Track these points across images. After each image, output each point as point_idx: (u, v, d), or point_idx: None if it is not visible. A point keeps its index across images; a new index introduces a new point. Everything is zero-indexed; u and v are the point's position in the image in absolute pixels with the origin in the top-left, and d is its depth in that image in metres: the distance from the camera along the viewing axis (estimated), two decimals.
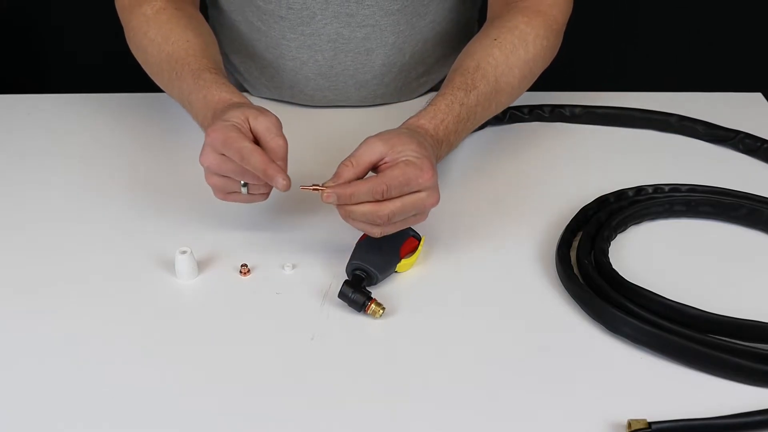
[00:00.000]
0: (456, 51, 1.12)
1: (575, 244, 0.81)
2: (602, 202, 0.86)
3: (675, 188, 0.88)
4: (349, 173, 0.73)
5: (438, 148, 0.82)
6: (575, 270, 0.77)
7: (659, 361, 0.69)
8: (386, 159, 0.74)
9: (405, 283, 0.78)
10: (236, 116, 0.76)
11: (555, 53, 0.97)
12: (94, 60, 1.79)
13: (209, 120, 0.81)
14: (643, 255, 0.81)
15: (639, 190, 0.88)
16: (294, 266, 0.79)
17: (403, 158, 0.73)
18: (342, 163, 0.74)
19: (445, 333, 0.72)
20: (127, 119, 1.05)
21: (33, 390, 0.67)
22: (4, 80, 1.56)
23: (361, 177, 0.74)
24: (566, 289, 0.76)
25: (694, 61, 1.80)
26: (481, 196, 0.90)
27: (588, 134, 1.02)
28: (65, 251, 0.82)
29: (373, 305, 0.73)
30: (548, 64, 0.97)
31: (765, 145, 0.96)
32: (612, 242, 0.81)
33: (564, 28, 0.97)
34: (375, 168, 0.75)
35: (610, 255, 0.78)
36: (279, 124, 0.77)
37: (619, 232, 0.84)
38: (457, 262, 0.81)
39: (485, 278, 0.79)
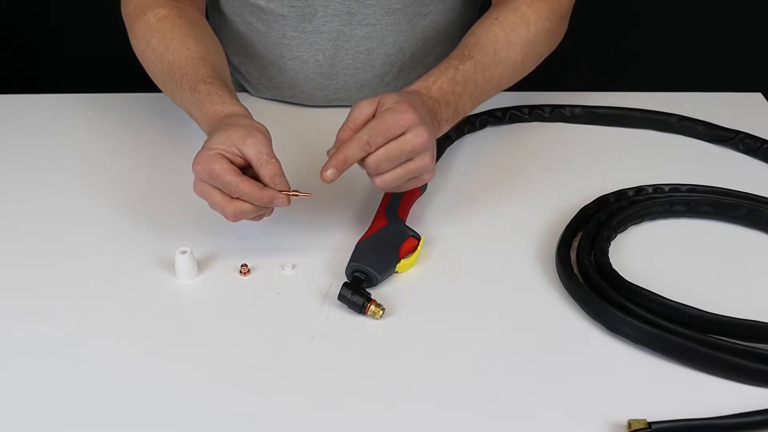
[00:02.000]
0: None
1: (575, 244, 0.81)
2: (602, 202, 0.86)
3: (675, 188, 0.88)
4: (348, 135, 0.75)
5: (433, 103, 0.82)
6: (575, 270, 0.77)
7: (659, 361, 0.69)
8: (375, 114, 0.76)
9: (405, 283, 0.78)
10: (221, 142, 0.75)
11: (559, 38, 0.97)
12: (94, 60, 1.79)
13: (208, 133, 0.81)
14: (643, 255, 0.81)
15: (639, 190, 0.88)
16: (294, 266, 0.79)
17: (384, 108, 0.75)
18: (340, 129, 0.76)
19: (445, 333, 0.72)
20: (128, 119, 1.05)
21: (33, 390, 0.67)
22: (4, 80, 1.56)
23: None
24: (566, 289, 0.76)
25: (694, 61, 1.80)
26: (481, 195, 0.90)
27: (588, 134, 1.02)
28: (65, 251, 0.82)
29: (372, 306, 0.73)
30: (552, 48, 0.97)
31: (765, 145, 0.96)
32: (612, 242, 0.81)
33: (569, 15, 0.98)
34: None
35: (610, 255, 0.78)
36: (268, 142, 0.76)
37: (619, 232, 0.84)
38: (457, 262, 0.81)
39: (485, 278, 0.79)
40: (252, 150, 0.75)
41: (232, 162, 0.75)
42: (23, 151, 1.00)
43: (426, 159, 0.76)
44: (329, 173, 0.73)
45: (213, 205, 0.76)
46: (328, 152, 0.75)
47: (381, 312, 0.73)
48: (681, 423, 0.62)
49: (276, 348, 0.71)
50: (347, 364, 0.69)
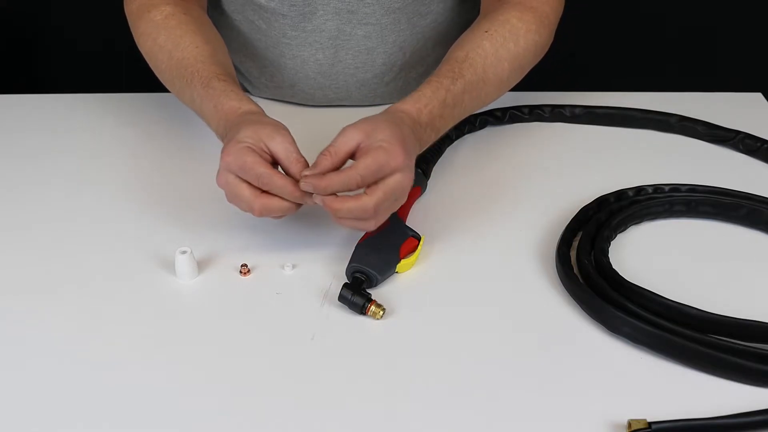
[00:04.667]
0: None
1: (575, 244, 0.81)
2: (602, 202, 0.86)
3: (675, 188, 0.88)
4: (327, 163, 0.74)
5: (421, 131, 0.81)
6: (575, 270, 0.77)
7: (659, 361, 0.69)
8: (362, 146, 0.75)
9: (405, 283, 0.78)
10: (249, 136, 0.75)
11: (546, 50, 0.97)
12: (94, 60, 1.79)
13: (222, 130, 0.81)
14: (643, 255, 0.81)
15: (639, 190, 0.88)
16: (294, 266, 0.79)
17: (376, 145, 0.74)
18: (321, 153, 0.75)
19: (445, 333, 0.72)
20: (128, 119, 1.06)
21: (33, 390, 0.67)
22: (4, 80, 1.56)
23: (339, 166, 0.75)
24: (566, 289, 0.76)
25: (694, 61, 1.80)
26: (481, 195, 0.90)
27: (588, 134, 1.02)
28: (65, 251, 0.82)
29: (373, 307, 0.73)
30: (538, 59, 0.96)
31: (765, 146, 0.96)
32: (612, 242, 0.81)
33: (555, 26, 0.97)
34: (352, 156, 0.76)
35: (610, 255, 0.78)
36: (294, 142, 0.77)
37: (619, 232, 0.84)
38: (457, 262, 0.81)
39: (485, 278, 0.79)
40: (281, 147, 0.75)
41: (260, 156, 0.75)
42: (23, 151, 1.00)
43: (404, 197, 0.77)
44: (308, 186, 0.73)
45: (237, 198, 0.76)
46: (302, 175, 0.73)
47: (381, 312, 0.73)
48: (681, 423, 0.62)
49: (276, 348, 0.71)
50: (347, 364, 0.69)
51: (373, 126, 0.76)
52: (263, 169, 0.73)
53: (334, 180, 0.73)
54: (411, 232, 0.79)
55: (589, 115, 1.03)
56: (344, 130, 0.76)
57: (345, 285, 0.74)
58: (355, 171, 0.73)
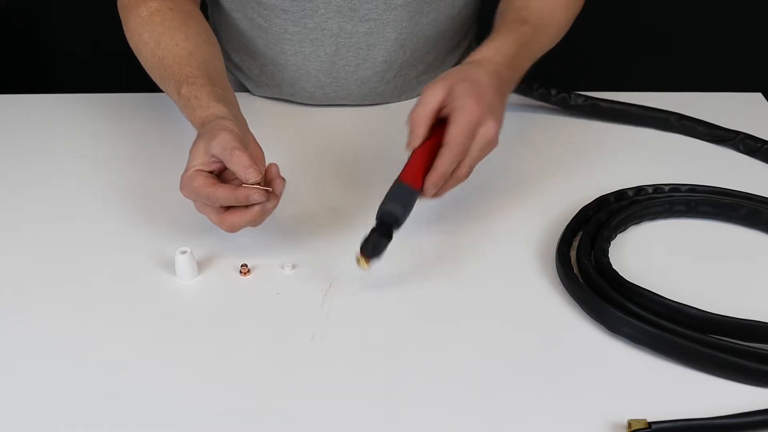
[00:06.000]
0: (455, 49, 1.12)
1: (575, 244, 0.81)
2: (602, 202, 0.86)
3: (675, 188, 0.88)
4: (422, 119, 0.78)
5: (502, 70, 0.85)
6: (575, 270, 0.77)
7: (659, 361, 0.69)
8: (444, 105, 0.79)
9: (405, 283, 0.78)
10: (197, 157, 0.76)
11: None
12: (94, 60, 1.79)
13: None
14: (643, 255, 0.81)
15: (639, 190, 0.88)
16: (294, 266, 0.79)
17: (455, 106, 0.78)
18: (413, 111, 0.78)
19: (445, 333, 0.72)
20: (127, 119, 1.05)
21: (33, 390, 0.67)
22: (4, 80, 1.56)
23: (431, 125, 0.79)
24: (566, 289, 0.76)
25: (694, 61, 1.80)
26: (481, 195, 0.90)
27: (588, 134, 1.02)
28: (65, 251, 0.82)
29: (362, 257, 0.73)
30: (580, 8, 1.00)
31: (765, 146, 0.96)
32: (612, 242, 0.81)
33: None
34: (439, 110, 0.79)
35: (610, 255, 0.78)
36: (233, 137, 0.75)
37: (619, 232, 0.84)
38: (456, 262, 0.80)
39: (485, 278, 0.79)
40: (217, 149, 0.75)
41: (212, 172, 0.76)
42: (23, 151, 1.00)
43: (496, 141, 0.80)
44: (431, 190, 0.77)
45: (212, 222, 0.77)
46: (407, 146, 0.78)
47: (367, 263, 0.73)
48: (681, 423, 0.62)
49: (276, 348, 0.71)
50: (347, 363, 0.69)
51: (453, 81, 0.80)
52: (208, 190, 0.74)
53: (443, 167, 0.77)
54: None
55: (593, 108, 1.03)
56: (428, 87, 0.79)
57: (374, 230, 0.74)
58: (454, 150, 0.77)
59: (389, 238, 0.74)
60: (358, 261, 0.73)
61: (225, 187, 0.75)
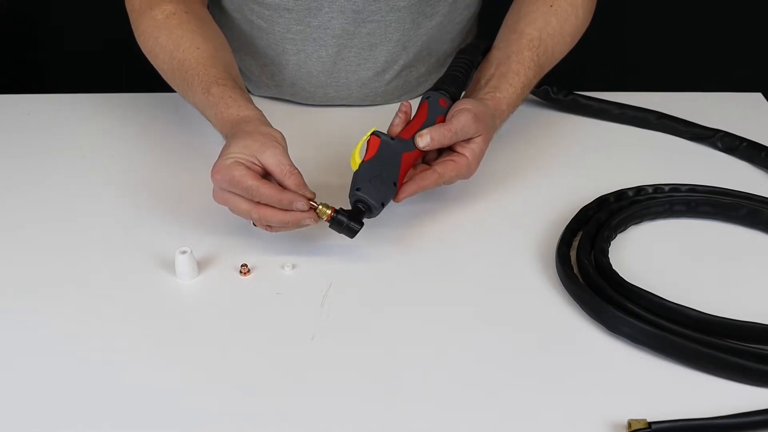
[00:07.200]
0: (455, 50, 1.12)
1: (575, 244, 0.81)
2: (602, 202, 0.86)
3: (675, 188, 0.88)
4: (446, 140, 0.83)
5: (501, 118, 0.90)
6: (575, 270, 0.77)
7: (659, 361, 0.69)
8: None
9: (404, 283, 0.78)
10: (239, 150, 0.77)
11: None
12: (94, 60, 1.79)
13: (224, 138, 0.83)
14: (643, 255, 0.81)
15: (639, 190, 0.88)
16: (294, 266, 0.79)
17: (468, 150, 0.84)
18: (442, 133, 0.82)
19: (445, 333, 0.72)
20: (127, 119, 1.05)
21: (33, 390, 0.67)
22: (4, 80, 1.56)
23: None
24: (566, 289, 0.76)
25: (694, 61, 1.80)
26: (481, 195, 0.90)
27: (588, 134, 1.02)
28: (65, 251, 0.82)
29: (321, 206, 0.76)
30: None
31: (744, 144, 0.96)
32: (612, 242, 0.81)
33: None
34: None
35: (610, 255, 0.78)
36: (287, 152, 0.78)
37: (619, 232, 0.84)
38: (456, 262, 0.80)
39: (485, 278, 0.78)
40: (272, 161, 0.76)
41: (249, 169, 0.76)
42: (23, 151, 1.00)
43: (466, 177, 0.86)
44: (425, 142, 0.81)
45: (237, 211, 0.77)
46: (423, 146, 0.82)
47: (328, 212, 0.76)
48: (681, 423, 0.62)
49: (276, 348, 0.71)
50: (347, 363, 0.69)
51: (482, 127, 0.84)
52: (251, 182, 0.75)
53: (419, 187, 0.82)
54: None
55: (573, 103, 1.04)
56: (465, 116, 0.83)
57: (343, 211, 0.76)
58: (445, 180, 0.83)
59: (360, 224, 0.77)
60: (320, 213, 0.76)
61: (272, 185, 0.75)
